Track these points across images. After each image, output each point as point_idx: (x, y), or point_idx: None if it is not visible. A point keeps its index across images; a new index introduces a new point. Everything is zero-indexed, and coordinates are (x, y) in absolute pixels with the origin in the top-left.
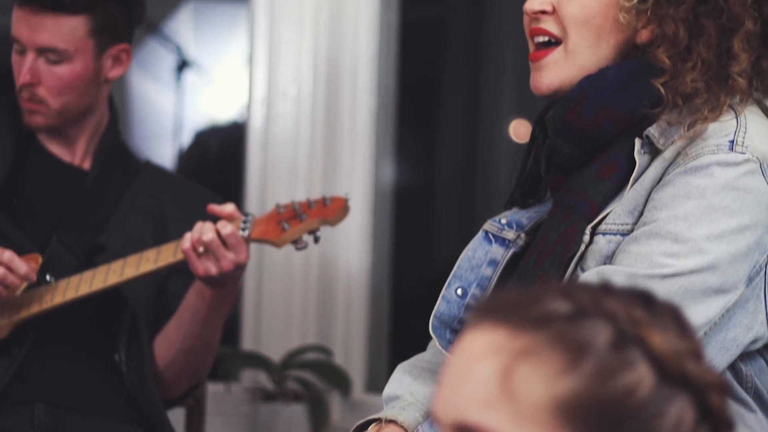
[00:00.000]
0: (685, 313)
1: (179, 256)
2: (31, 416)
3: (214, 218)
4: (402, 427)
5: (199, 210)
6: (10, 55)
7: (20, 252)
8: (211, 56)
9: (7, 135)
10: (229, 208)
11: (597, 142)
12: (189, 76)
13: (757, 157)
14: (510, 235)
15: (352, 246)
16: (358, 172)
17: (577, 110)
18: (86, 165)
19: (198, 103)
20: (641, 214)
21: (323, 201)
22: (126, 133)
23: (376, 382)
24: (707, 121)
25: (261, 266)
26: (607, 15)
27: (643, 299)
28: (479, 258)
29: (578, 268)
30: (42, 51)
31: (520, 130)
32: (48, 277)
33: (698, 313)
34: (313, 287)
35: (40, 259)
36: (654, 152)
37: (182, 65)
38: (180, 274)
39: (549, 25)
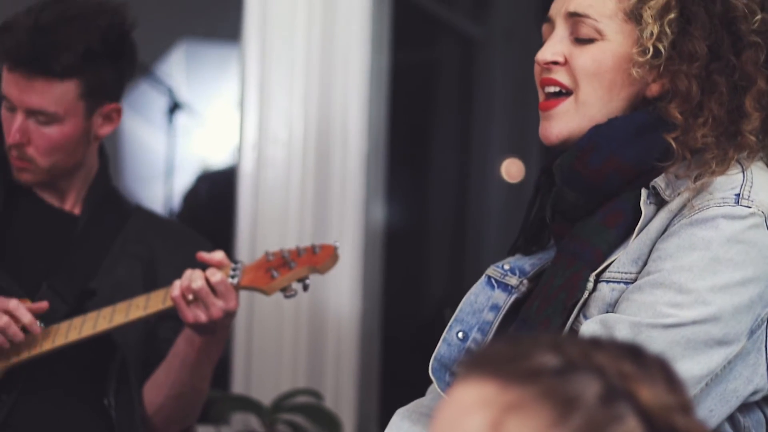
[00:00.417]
0: (688, 363)
1: (169, 304)
2: None
3: (204, 265)
4: None
5: (190, 255)
6: None
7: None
8: (203, 99)
9: None
10: (219, 255)
11: (603, 192)
12: (180, 118)
13: (762, 212)
14: (513, 281)
15: (342, 289)
16: (348, 217)
17: (585, 159)
18: (77, 210)
19: (189, 145)
20: (645, 263)
21: (313, 249)
22: (117, 174)
23: (367, 426)
24: (714, 175)
25: (252, 309)
26: (619, 69)
27: (632, 353)
28: (481, 302)
29: (581, 315)
30: (32, 112)
31: (512, 170)
32: (38, 323)
33: (700, 364)
34: (303, 330)
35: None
36: (660, 203)
37: (174, 107)
38: (170, 319)
39: (560, 76)
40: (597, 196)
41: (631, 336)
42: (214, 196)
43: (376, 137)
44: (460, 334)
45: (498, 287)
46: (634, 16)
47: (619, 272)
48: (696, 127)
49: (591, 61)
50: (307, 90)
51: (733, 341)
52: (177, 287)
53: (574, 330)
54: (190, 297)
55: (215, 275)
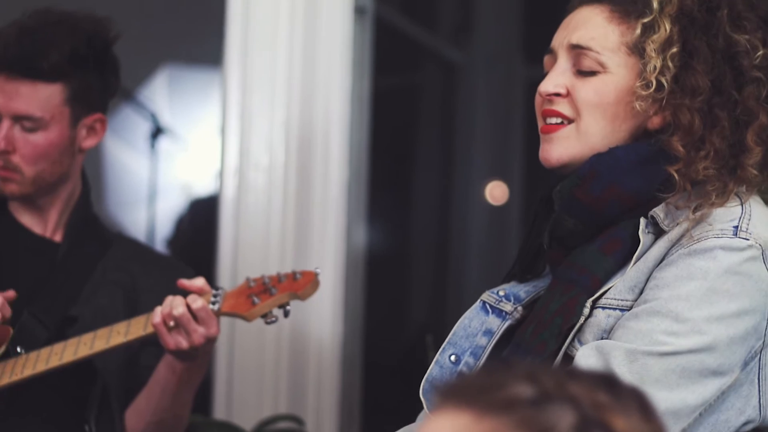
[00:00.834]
0: (683, 392)
1: (149, 330)
2: None
3: (185, 292)
4: None
5: (171, 282)
6: None
7: None
8: (186, 123)
9: None
10: (200, 282)
11: (603, 219)
12: (163, 142)
13: (759, 244)
14: (507, 307)
15: (324, 314)
16: (330, 242)
17: (585, 187)
18: (57, 237)
19: (172, 170)
20: (642, 291)
21: (293, 275)
22: (100, 198)
23: None
24: (714, 206)
25: (233, 334)
26: (621, 101)
27: (607, 383)
28: (475, 327)
29: (576, 340)
30: (18, 118)
31: (496, 193)
32: (18, 349)
33: (695, 393)
34: (285, 355)
35: (11, 331)
36: (658, 232)
37: (156, 132)
38: (152, 346)
39: (562, 107)
40: (596, 224)
41: (627, 363)
42: (196, 222)
43: (357, 162)
44: (453, 357)
45: (492, 312)
46: (637, 49)
47: (615, 299)
48: (698, 160)
49: (593, 93)
50: (289, 115)
51: (727, 372)
52: (158, 314)
53: (568, 355)
54: (171, 323)
55: (196, 302)
